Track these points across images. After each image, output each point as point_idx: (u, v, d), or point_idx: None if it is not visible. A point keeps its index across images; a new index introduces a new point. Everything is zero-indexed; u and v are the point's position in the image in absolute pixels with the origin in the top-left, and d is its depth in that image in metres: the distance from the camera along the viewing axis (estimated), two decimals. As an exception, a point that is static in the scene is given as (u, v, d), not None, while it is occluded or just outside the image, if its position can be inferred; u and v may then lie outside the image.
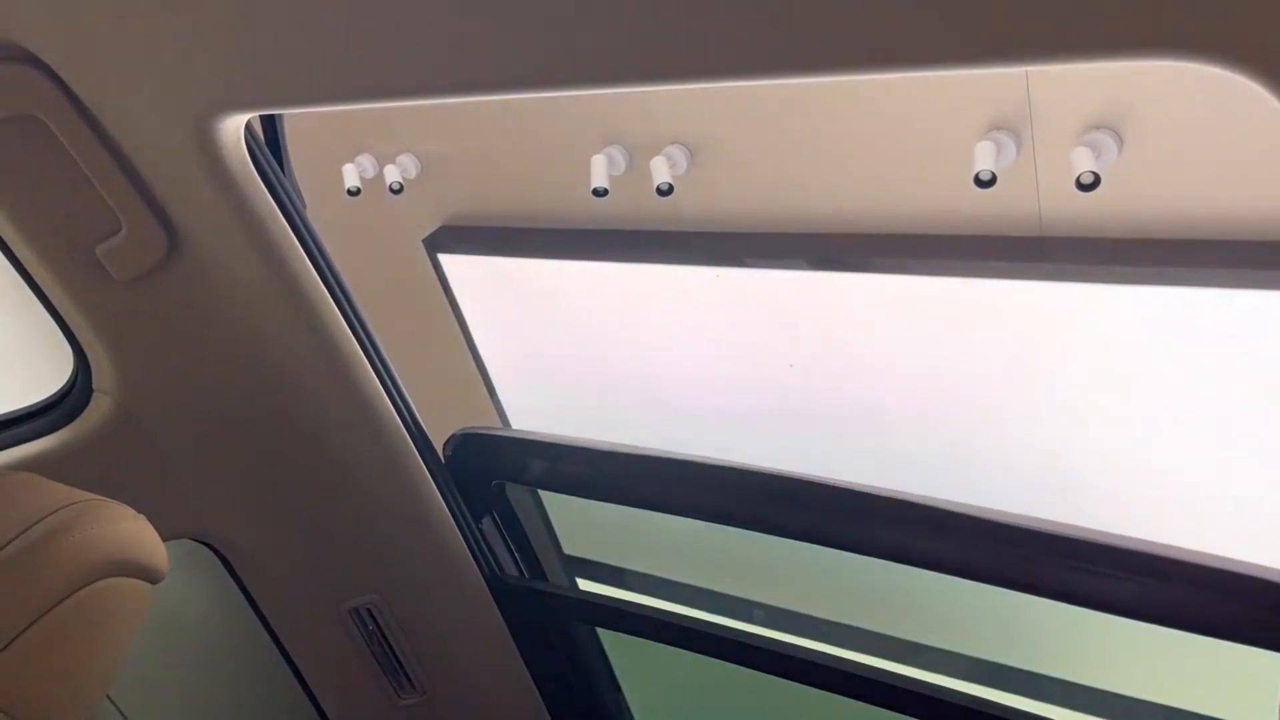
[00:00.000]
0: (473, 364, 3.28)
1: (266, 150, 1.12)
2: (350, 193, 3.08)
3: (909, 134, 2.28)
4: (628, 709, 1.70)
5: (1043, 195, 2.20)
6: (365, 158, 3.10)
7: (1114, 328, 2.19)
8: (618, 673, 1.65)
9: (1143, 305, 2.13)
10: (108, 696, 1.58)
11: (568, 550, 1.64)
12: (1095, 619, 1.34)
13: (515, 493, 1.51)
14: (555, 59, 0.80)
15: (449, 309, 3.23)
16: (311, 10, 0.86)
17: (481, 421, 3.17)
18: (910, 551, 1.20)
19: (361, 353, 1.26)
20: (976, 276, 2.30)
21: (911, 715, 1.26)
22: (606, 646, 1.60)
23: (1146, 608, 1.06)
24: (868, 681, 1.26)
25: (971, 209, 2.28)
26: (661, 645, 1.44)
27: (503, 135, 2.86)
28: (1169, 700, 1.34)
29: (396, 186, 3.04)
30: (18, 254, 1.15)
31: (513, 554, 1.51)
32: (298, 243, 1.17)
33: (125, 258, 1.13)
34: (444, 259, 3.12)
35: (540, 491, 1.55)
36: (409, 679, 1.58)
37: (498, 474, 1.47)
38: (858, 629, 1.54)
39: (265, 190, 1.11)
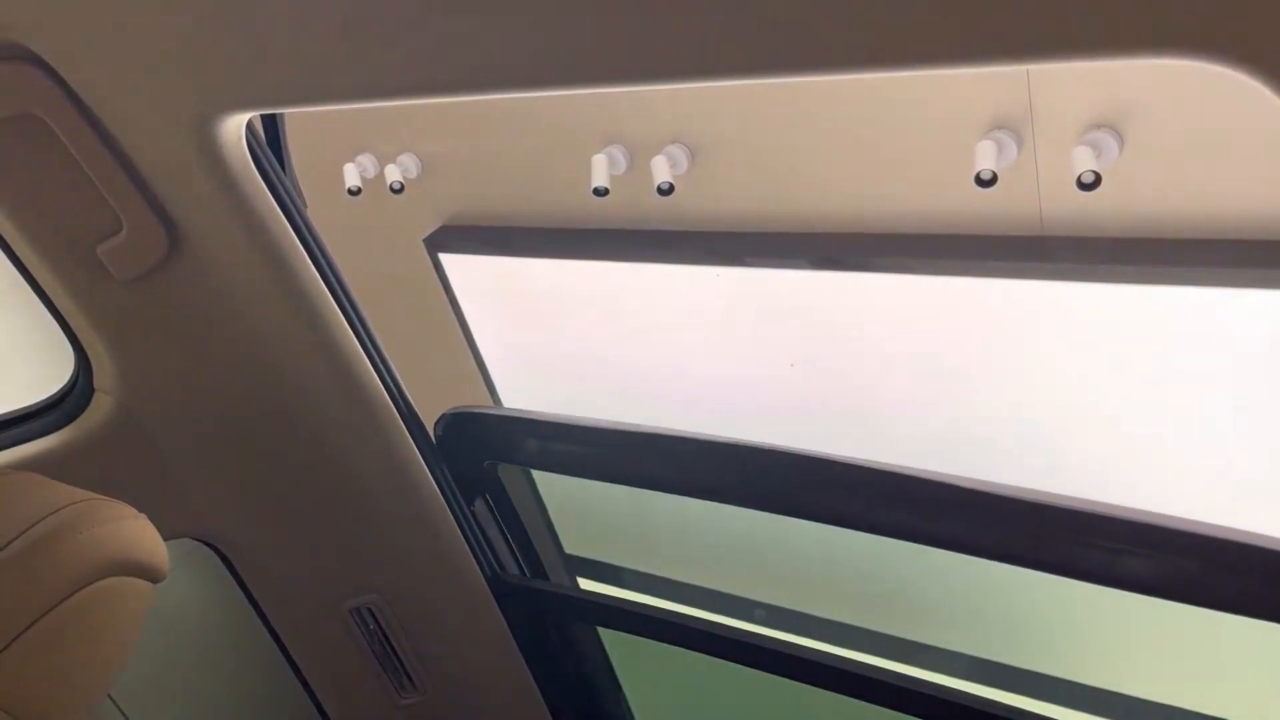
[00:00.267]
0: (473, 363, 3.28)
1: (267, 149, 1.12)
2: (351, 192, 3.08)
3: (910, 133, 2.28)
4: (629, 708, 1.70)
5: (1044, 195, 2.20)
6: (366, 157, 3.10)
7: (1115, 327, 2.19)
8: (619, 672, 1.65)
9: (1144, 305, 2.13)
10: (109, 696, 1.58)
11: (569, 549, 1.64)
12: (1097, 618, 1.34)
13: (509, 475, 1.49)
14: (556, 58, 0.80)
15: (449, 308, 3.23)
16: (312, 9, 0.86)
17: (482, 421, 3.16)
18: (914, 528, 1.17)
19: (362, 352, 1.26)
20: (977, 276, 2.30)
21: (912, 715, 1.26)
22: (607, 646, 1.60)
23: (1159, 583, 1.04)
24: (869, 681, 1.26)
25: (972, 208, 2.28)
26: (662, 644, 1.44)
27: (503, 135, 2.86)
28: (1171, 700, 1.34)
29: (397, 186, 3.04)
30: (18, 253, 1.15)
31: (510, 545, 1.51)
32: (298, 242, 1.17)
33: (126, 257, 1.13)
34: (445, 258, 3.12)
35: (539, 489, 1.55)
36: (410, 678, 1.58)
37: (490, 454, 1.44)
38: (859, 628, 1.54)
39: (266, 190, 1.11)
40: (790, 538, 1.53)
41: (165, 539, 0.91)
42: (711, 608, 1.64)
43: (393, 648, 1.54)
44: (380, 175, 3.09)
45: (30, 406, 1.30)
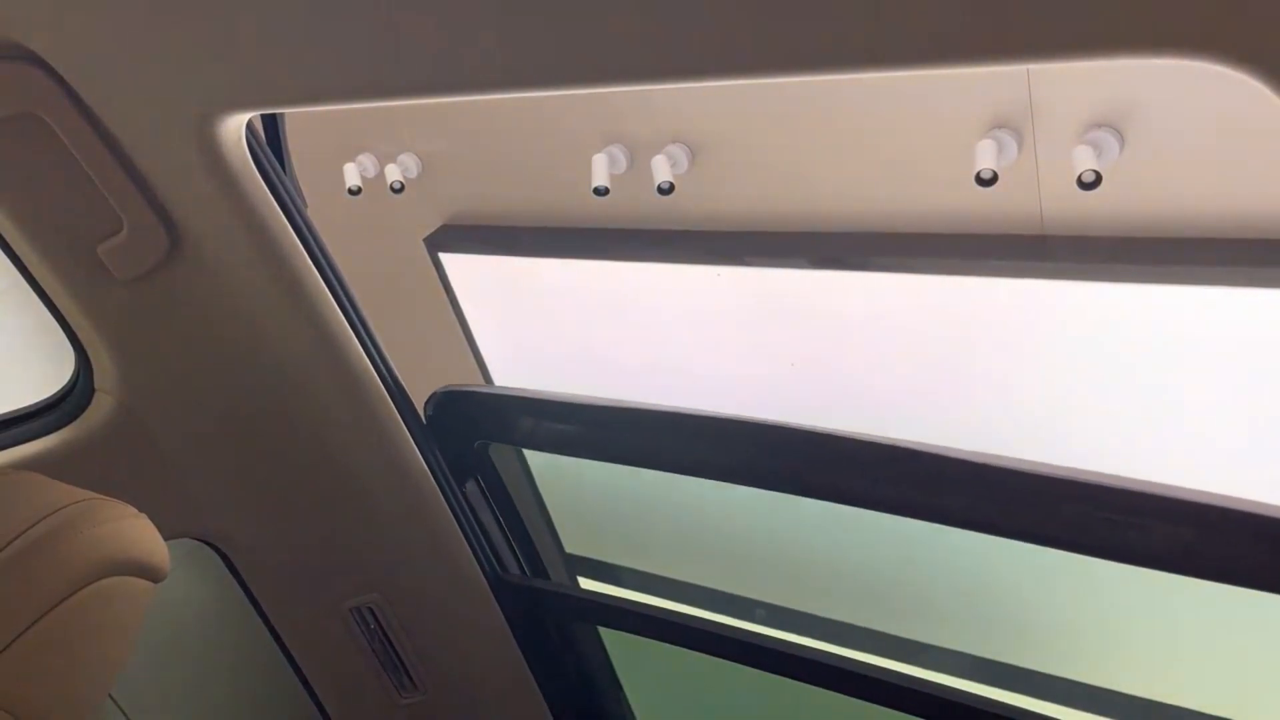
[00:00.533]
0: (474, 362, 3.28)
1: (267, 149, 1.12)
2: (351, 192, 3.08)
3: (910, 133, 2.28)
4: (629, 707, 1.70)
5: (1044, 194, 2.20)
6: (366, 157, 3.10)
7: (1116, 326, 2.19)
8: (619, 671, 1.65)
9: (1144, 304, 2.13)
10: (110, 695, 1.58)
11: (569, 549, 1.64)
12: (1098, 617, 1.34)
13: (501, 456, 1.46)
14: (556, 58, 0.80)
15: (450, 308, 3.23)
16: (312, 9, 0.86)
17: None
18: (916, 502, 1.14)
19: (362, 351, 1.26)
20: (978, 275, 2.30)
21: (913, 714, 1.26)
22: (608, 645, 1.60)
23: (1165, 555, 1.01)
24: (869, 680, 1.26)
25: (973, 208, 2.28)
26: (663, 644, 1.44)
27: (504, 134, 2.86)
28: (1172, 700, 1.33)
29: (397, 186, 3.04)
30: (19, 253, 1.15)
31: (510, 544, 1.51)
32: (299, 242, 1.17)
33: (126, 257, 1.14)
34: (445, 258, 3.12)
35: (540, 487, 1.55)
36: (410, 677, 1.58)
37: (481, 433, 1.42)
38: (859, 628, 1.54)
39: (266, 189, 1.11)
40: (790, 536, 1.53)
41: (165, 538, 0.91)
42: (711, 607, 1.64)
43: (393, 647, 1.55)
44: (380, 175, 3.09)
45: (31, 406, 1.30)
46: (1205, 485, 1.01)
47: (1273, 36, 0.56)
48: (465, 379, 3.28)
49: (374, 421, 1.31)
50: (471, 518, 1.43)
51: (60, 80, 1.01)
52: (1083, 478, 1.02)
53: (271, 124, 1.21)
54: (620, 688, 1.67)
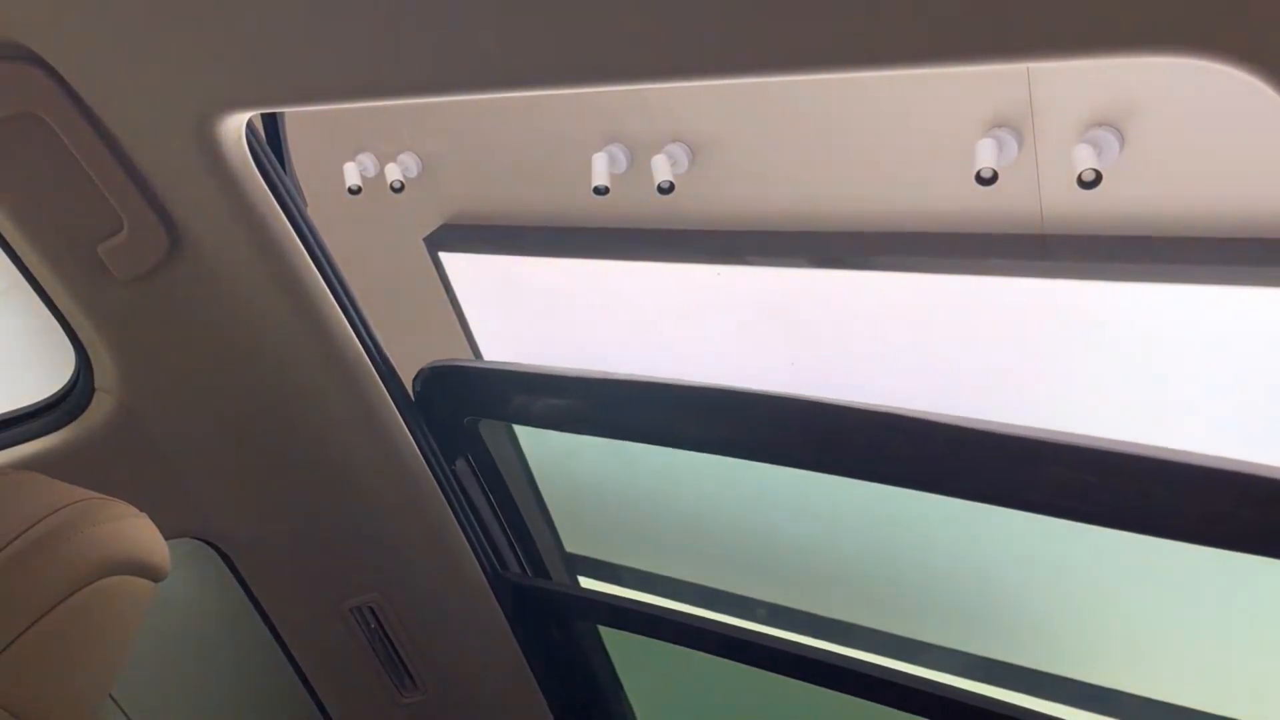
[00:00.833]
0: (474, 362, 3.28)
1: (267, 149, 1.12)
2: (351, 191, 3.09)
3: (910, 132, 2.28)
4: (629, 707, 1.70)
5: (1044, 193, 2.20)
6: (366, 156, 3.10)
7: (1116, 325, 2.19)
8: (619, 670, 1.65)
9: (1144, 302, 2.13)
10: (110, 695, 1.58)
11: (569, 548, 1.64)
12: (1099, 616, 1.34)
13: (492, 435, 1.43)
14: (556, 57, 0.80)
15: (450, 307, 3.23)
16: (313, 9, 0.86)
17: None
18: (917, 472, 1.11)
19: (363, 351, 1.26)
20: (978, 274, 2.30)
21: (914, 713, 1.26)
22: (608, 644, 1.60)
23: (1167, 521, 0.99)
24: (870, 679, 1.26)
25: (973, 207, 2.28)
26: (663, 643, 1.44)
27: (504, 134, 2.86)
28: (1174, 699, 1.33)
29: (397, 185, 3.04)
30: (19, 253, 1.15)
31: (511, 543, 1.51)
32: (299, 241, 1.17)
33: (127, 256, 1.14)
34: (445, 257, 3.12)
35: (538, 481, 1.54)
36: (411, 677, 1.58)
37: (470, 409, 1.38)
38: (860, 627, 1.54)
39: (266, 189, 1.11)
40: (791, 535, 1.53)
41: (166, 538, 0.91)
42: (712, 606, 1.64)
43: (393, 646, 1.55)
44: (381, 174, 3.09)
45: (31, 406, 1.30)
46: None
47: (1273, 34, 0.56)
48: (465, 378, 3.28)
49: (373, 420, 1.31)
50: (469, 508, 1.43)
51: (60, 80, 1.01)
52: (1084, 443, 0.99)
53: (271, 123, 1.21)
54: (620, 687, 1.67)
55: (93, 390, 1.28)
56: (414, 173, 3.06)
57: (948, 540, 1.38)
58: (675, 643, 1.42)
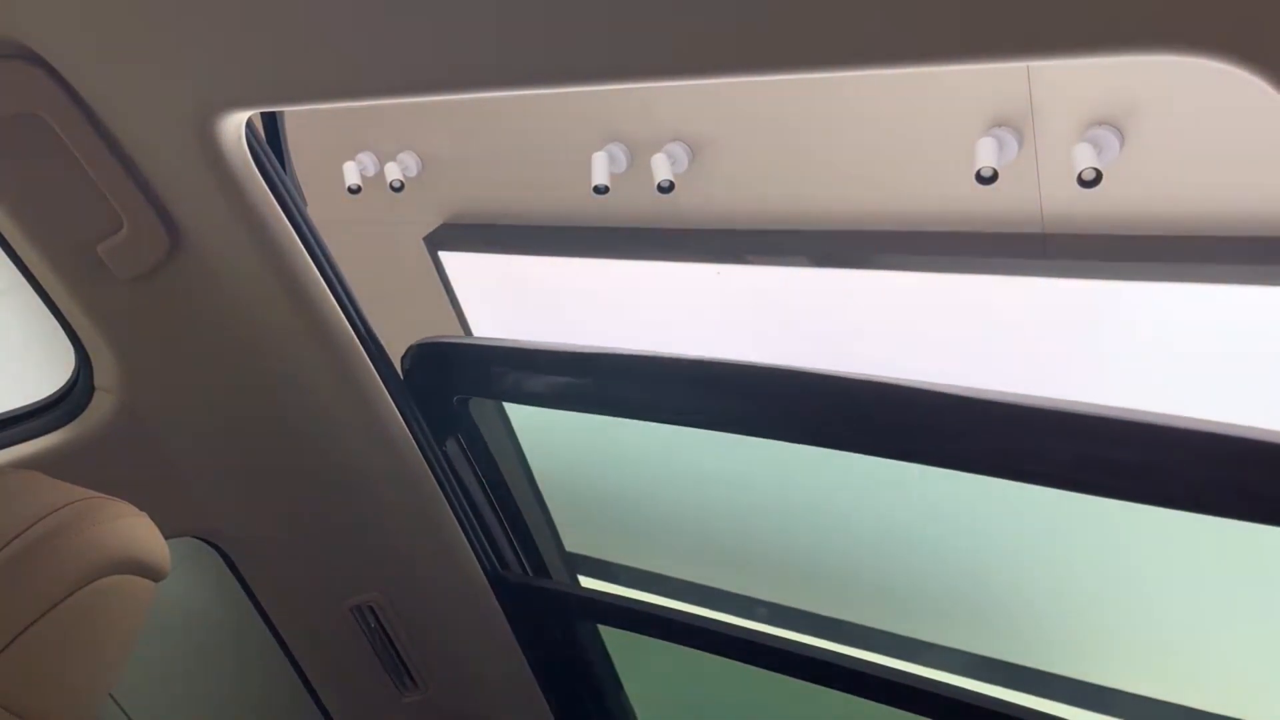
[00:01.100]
0: (474, 362, 3.28)
1: (267, 148, 1.12)
2: (351, 191, 3.08)
3: (910, 131, 2.28)
4: (629, 706, 1.70)
5: (1044, 192, 2.20)
6: (366, 155, 3.10)
7: (1116, 324, 2.19)
8: (620, 669, 1.65)
9: (1144, 301, 2.13)
10: (110, 694, 1.58)
11: (569, 547, 1.64)
12: (1100, 615, 1.34)
13: (482, 413, 1.40)
14: (556, 55, 0.80)
15: (450, 306, 3.23)
16: (312, 7, 0.86)
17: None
18: (918, 444, 1.08)
19: (363, 350, 1.26)
20: (978, 273, 2.30)
21: (914, 712, 1.26)
22: (608, 643, 1.60)
23: (1170, 489, 0.96)
24: (870, 678, 1.26)
25: (973, 206, 2.28)
26: (663, 642, 1.44)
27: (504, 133, 2.86)
28: (1176, 698, 1.33)
29: (397, 184, 3.04)
30: (19, 252, 1.15)
31: (511, 542, 1.51)
32: (299, 240, 1.17)
33: (127, 256, 1.14)
34: (445, 256, 3.12)
35: (537, 479, 1.54)
36: (411, 676, 1.58)
37: (460, 387, 1.36)
38: (860, 626, 1.54)
39: (266, 188, 1.11)
40: (791, 534, 1.53)
41: (166, 537, 0.91)
42: (712, 606, 1.64)
43: (394, 646, 1.55)
44: (380, 173, 3.09)
45: (31, 405, 1.30)
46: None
47: (1274, 33, 0.56)
48: (465, 377, 3.28)
49: (373, 419, 1.31)
50: (461, 492, 1.42)
51: (60, 79, 1.01)
52: (1083, 410, 0.97)
53: (271, 122, 1.21)
54: (620, 686, 1.67)
55: (93, 389, 1.28)
56: (414, 172, 3.06)
57: (948, 540, 1.38)
58: (675, 642, 1.42)
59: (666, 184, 2.55)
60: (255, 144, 1.09)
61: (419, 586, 1.48)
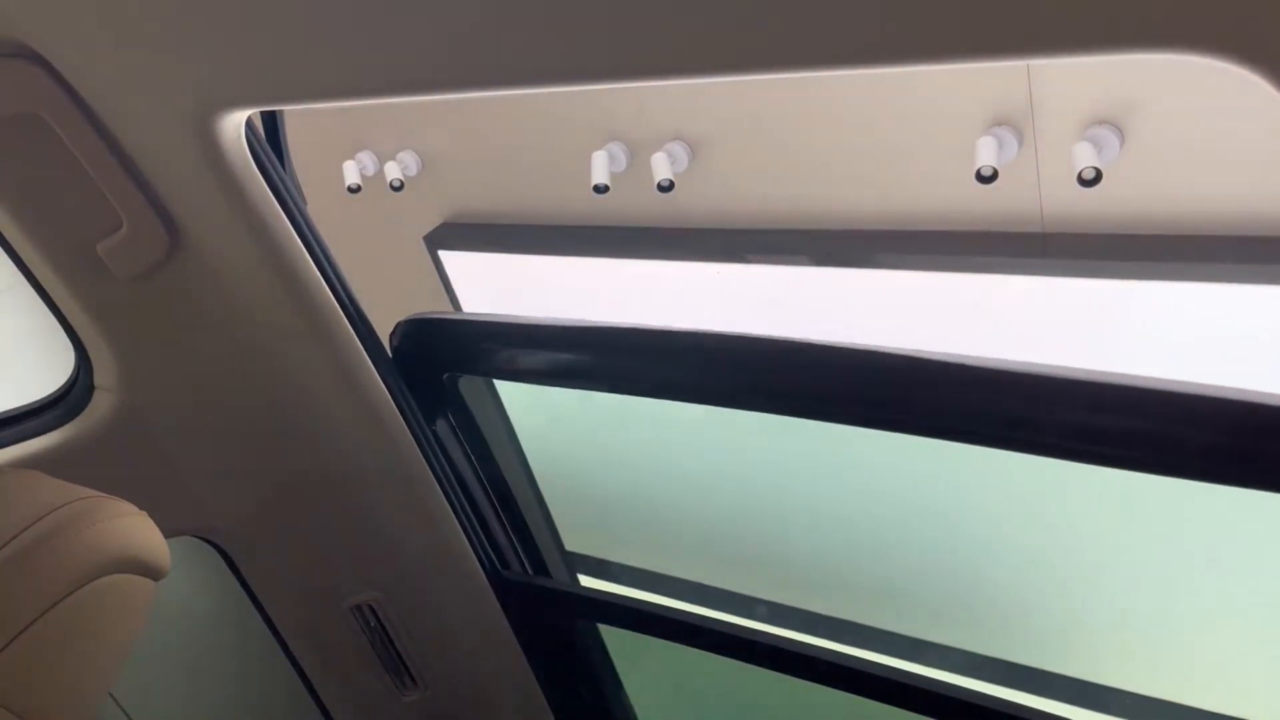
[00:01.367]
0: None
1: (267, 147, 1.12)
2: (351, 190, 3.08)
3: (910, 130, 2.28)
4: (630, 705, 1.70)
5: (1044, 191, 2.20)
6: (366, 155, 3.10)
7: (1116, 323, 2.19)
8: (620, 669, 1.65)
9: (1145, 300, 2.13)
10: (110, 694, 1.58)
11: (569, 547, 1.64)
12: (1101, 614, 1.34)
13: (472, 391, 1.38)
14: (556, 54, 0.80)
15: (450, 305, 3.23)
16: (312, 7, 0.86)
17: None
18: (917, 413, 1.06)
19: (363, 349, 1.26)
20: (978, 272, 2.30)
21: (914, 711, 1.26)
22: (608, 642, 1.60)
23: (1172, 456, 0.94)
24: (871, 677, 1.26)
25: (973, 205, 2.28)
26: (664, 641, 1.44)
27: (504, 132, 2.86)
28: (1177, 698, 1.33)
29: (397, 184, 3.04)
30: (19, 251, 1.15)
31: (511, 541, 1.51)
32: (299, 239, 1.17)
33: (126, 255, 1.13)
34: (445, 255, 3.12)
35: (537, 478, 1.54)
36: (411, 675, 1.58)
37: (449, 365, 1.34)
38: (861, 625, 1.54)
39: (266, 187, 1.11)
40: (791, 533, 1.53)
41: (166, 536, 0.91)
42: (712, 605, 1.64)
43: (394, 645, 1.55)
44: (380, 173, 3.09)
45: (31, 404, 1.30)
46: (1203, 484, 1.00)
47: (1274, 32, 0.56)
48: (465, 377, 3.28)
49: (373, 419, 1.31)
50: (472, 514, 1.43)
51: (60, 79, 1.00)
52: (1082, 376, 0.95)
53: (271, 121, 1.21)
54: (620, 685, 1.67)
55: (92, 388, 1.28)
56: (413, 171, 3.06)
57: (949, 539, 1.39)
58: (675, 641, 1.42)
59: (666, 183, 2.54)
60: (255, 143, 1.09)
61: (419, 585, 1.49)
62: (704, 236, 2.70)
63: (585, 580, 1.71)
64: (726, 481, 1.53)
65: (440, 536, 1.42)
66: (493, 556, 1.47)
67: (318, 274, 1.20)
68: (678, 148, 2.58)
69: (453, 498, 1.40)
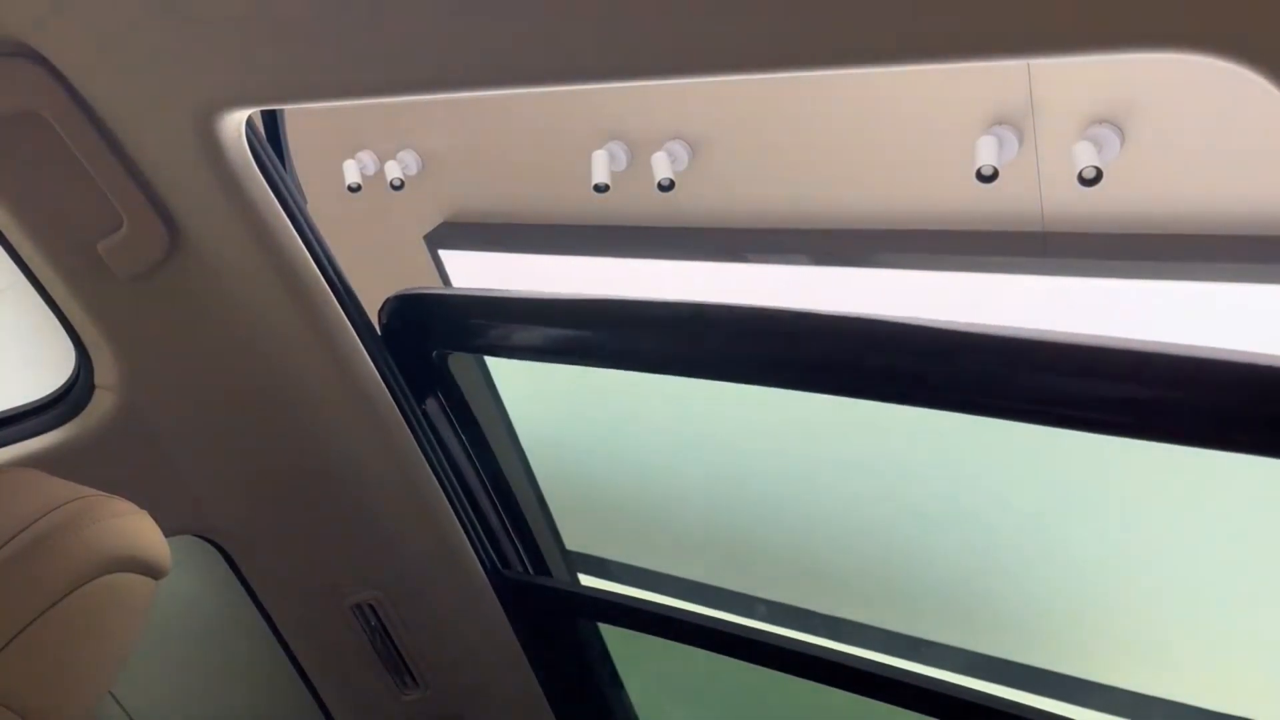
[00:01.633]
0: (474, 360, 3.28)
1: (267, 146, 1.12)
2: (351, 189, 3.08)
3: (911, 129, 2.28)
4: (630, 704, 1.70)
5: (1045, 190, 2.20)
6: (366, 154, 3.10)
7: (1116, 323, 2.19)
8: (620, 668, 1.65)
9: (1144, 300, 2.13)
10: (110, 692, 1.58)
11: (569, 546, 1.64)
12: (1101, 613, 1.34)
13: (462, 370, 1.36)
14: (556, 54, 0.80)
15: (450, 305, 3.22)
16: (312, 7, 0.86)
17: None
18: (916, 384, 1.05)
19: (363, 349, 1.26)
20: (978, 272, 2.30)
21: (914, 710, 1.26)
22: (609, 641, 1.60)
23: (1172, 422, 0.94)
24: (871, 677, 1.26)
25: (973, 204, 2.28)
26: (664, 640, 1.44)
27: (504, 131, 2.86)
28: (1179, 697, 1.33)
29: (397, 183, 3.04)
30: (19, 250, 1.15)
31: (512, 540, 1.51)
32: (299, 239, 1.17)
33: (127, 254, 1.14)
34: (445, 255, 3.12)
35: (536, 477, 1.54)
36: (412, 675, 1.58)
37: (439, 341, 1.31)
38: (861, 624, 1.54)
39: (266, 186, 1.11)
40: (792, 532, 1.53)
41: (166, 535, 0.91)
42: (712, 604, 1.64)
43: (394, 644, 1.55)
44: (380, 172, 3.09)
45: (31, 403, 1.30)
46: (1206, 480, 1.00)
47: (1275, 31, 0.56)
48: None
49: (373, 418, 1.31)
50: (472, 513, 1.43)
51: (60, 78, 1.01)
52: (1082, 341, 0.96)
53: (271, 121, 1.21)
54: (621, 684, 1.67)
55: (93, 387, 1.29)
56: (414, 170, 3.06)
57: (950, 538, 1.39)
58: (676, 640, 1.42)
59: (667, 182, 2.55)
60: (255, 142, 1.09)
61: (419, 585, 1.49)
62: (704, 235, 2.70)
63: (586, 580, 1.71)
64: (725, 472, 1.53)
65: (440, 535, 1.42)
66: (493, 555, 1.47)
67: (318, 273, 1.20)
68: (678, 147, 2.58)
69: (450, 489, 1.39)
